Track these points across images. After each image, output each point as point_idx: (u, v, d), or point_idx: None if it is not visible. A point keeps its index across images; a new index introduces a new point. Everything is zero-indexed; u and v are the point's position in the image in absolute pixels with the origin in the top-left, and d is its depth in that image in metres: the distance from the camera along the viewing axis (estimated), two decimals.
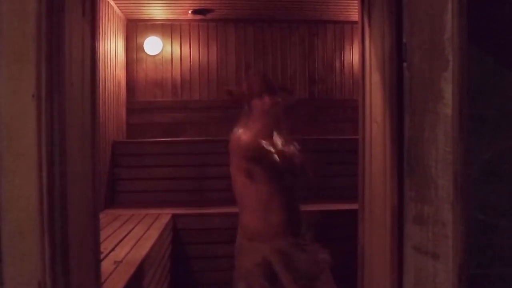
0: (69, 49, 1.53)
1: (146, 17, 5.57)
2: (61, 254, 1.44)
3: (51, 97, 1.38)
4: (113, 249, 3.08)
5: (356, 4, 5.01)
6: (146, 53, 5.65)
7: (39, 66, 1.35)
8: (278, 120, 2.66)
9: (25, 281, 1.38)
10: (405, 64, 1.68)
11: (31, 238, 1.36)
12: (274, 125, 2.64)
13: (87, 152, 1.79)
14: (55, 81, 1.40)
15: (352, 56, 5.95)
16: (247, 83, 2.71)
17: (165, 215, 4.24)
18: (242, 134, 2.56)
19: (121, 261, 2.79)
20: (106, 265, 2.69)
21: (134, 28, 5.66)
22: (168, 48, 5.72)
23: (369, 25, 2.24)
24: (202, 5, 5.17)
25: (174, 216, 4.30)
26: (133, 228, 3.73)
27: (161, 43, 5.66)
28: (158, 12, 5.41)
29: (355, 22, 5.65)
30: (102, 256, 2.85)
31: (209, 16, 5.46)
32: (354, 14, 5.49)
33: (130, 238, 3.40)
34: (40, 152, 1.36)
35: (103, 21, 4.56)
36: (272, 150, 2.50)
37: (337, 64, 5.96)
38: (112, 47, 4.94)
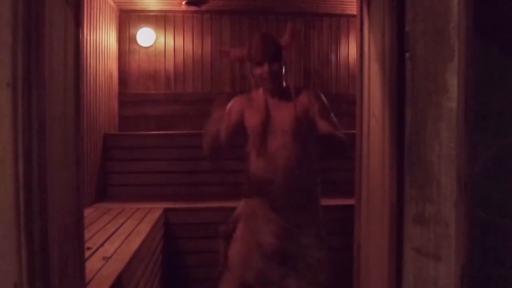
0: (49, 36, 1.43)
1: (139, 7, 5.47)
2: (40, 254, 1.35)
3: (28, 86, 1.29)
4: (102, 244, 3.00)
5: None
6: (139, 44, 5.56)
7: (15, 53, 1.26)
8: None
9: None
10: (407, 54, 1.59)
11: (6, 237, 1.27)
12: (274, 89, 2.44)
13: (70, 145, 1.70)
14: (33, 70, 1.30)
15: (348, 50, 5.91)
16: (247, 48, 2.45)
17: (157, 209, 4.17)
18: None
19: (110, 257, 2.71)
20: (94, 261, 2.61)
21: (127, 19, 5.56)
22: (162, 39, 5.63)
23: (368, 14, 2.14)
24: None
25: (166, 210, 4.23)
26: (123, 223, 3.66)
27: (154, 34, 5.57)
28: (151, 2, 5.31)
29: (351, 16, 5.71)
30: (90, 251, 2.79)
31: (203, 7, 5.37)
32: (350, 8, 5.44)
33: (120, 233, 3.32)
34: (16, 145, 1.26)
35: (95, 11, 4.47)
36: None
37: (333, 58, 5.91)
38: (104, 38, 4.85)
